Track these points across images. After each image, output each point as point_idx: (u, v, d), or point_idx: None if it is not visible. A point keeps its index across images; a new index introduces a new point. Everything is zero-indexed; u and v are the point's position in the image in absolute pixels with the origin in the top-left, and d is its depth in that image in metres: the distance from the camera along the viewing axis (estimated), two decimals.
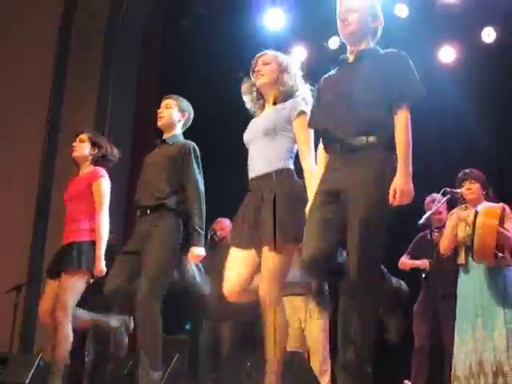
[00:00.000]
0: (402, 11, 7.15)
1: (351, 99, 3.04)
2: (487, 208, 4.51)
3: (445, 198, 4.75)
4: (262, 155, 3.40)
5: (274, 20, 7.64)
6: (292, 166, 3.42)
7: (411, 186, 2.90)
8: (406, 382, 4.98)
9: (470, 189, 4.73)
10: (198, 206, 3.92)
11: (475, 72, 7.16)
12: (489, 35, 7.20)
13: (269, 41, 7.16)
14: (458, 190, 4.73)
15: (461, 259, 4.64)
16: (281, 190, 3.27)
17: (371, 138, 2.97)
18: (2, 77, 7.61)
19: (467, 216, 4.58)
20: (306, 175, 3.34)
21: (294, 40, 7.81)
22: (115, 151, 4.73)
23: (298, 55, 7.75)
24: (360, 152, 2.97)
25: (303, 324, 5.22)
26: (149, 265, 3.77)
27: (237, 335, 5.29)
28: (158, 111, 4.20)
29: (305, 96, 3.50)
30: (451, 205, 4.87)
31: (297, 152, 3.45)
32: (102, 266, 4.29)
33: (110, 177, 4.58)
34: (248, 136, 3.55)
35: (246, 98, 3.66)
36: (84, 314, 4.49)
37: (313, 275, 2.97)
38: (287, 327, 3.35)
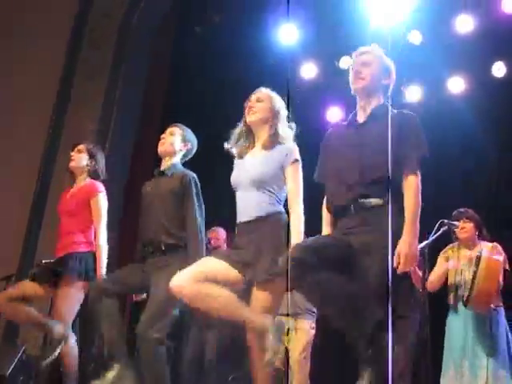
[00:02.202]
0: (415, 38, 7.16)
1: (363, 164, 3.08)
2: (490, 260, 4.52)
3: (441, 230, 4.74)
4: (252, 202, 3.38)
5: (287, 35, 7.65)
6: (282, 209, 3.41)
7: (416, 250, 2.95)
8: None
9: (464, 228, 4.79)
10: (196, 243, 3.85)
11: (483, 104, 7.16)
12: (499, 69, 7.21)
13: (281, 55, 7.19)
14: (456, 223, 4.74)
15: (450, 300, 4.70)
16: (273, 233, 3.28)
17: (384, 199, 3.02)
18: (12, 74, 7.60)
19: (463, 261, 4.62)
20: (293, 222, 3.31)
21: (305, 56, 7.81)
22: (104, 169, 4.69)
23: (308, 72, 7.79)
24: (372, 213, 3.02)
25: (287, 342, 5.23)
26: (157, 298, 3.70)
27: (223, 344, 5.28)
28: (161, 136, 4.16)
29: (294, 144, 3.49)
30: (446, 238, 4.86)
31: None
32: None
33: (112, 171, 4.55)
34: (236, 181, 3.51)
35: (234, 141, 3.60)
36: (30, 312, 4.32)
37: (298, 266, 2.93)
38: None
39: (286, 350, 5.15)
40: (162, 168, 4.14)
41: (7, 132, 7.35)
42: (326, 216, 3.36)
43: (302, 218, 3.32)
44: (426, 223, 3.91)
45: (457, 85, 7.44)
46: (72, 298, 4.26)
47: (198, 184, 4.02)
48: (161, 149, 4.13)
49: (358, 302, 2.92)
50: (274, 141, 3.45)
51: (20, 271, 6.75)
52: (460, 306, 4.61)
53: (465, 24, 7.04)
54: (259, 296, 3.25)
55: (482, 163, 7.00)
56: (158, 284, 3.70)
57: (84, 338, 5.66)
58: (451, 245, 4.91)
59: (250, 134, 3.57)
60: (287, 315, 5.19)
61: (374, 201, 3.02)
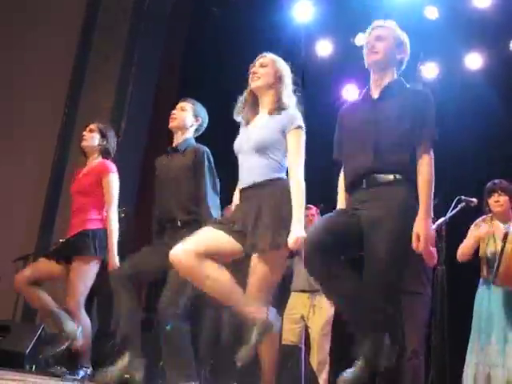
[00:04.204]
0: (432, 13, 7.08)
1: (378, 139, 3.07)
2: None
3: (459, 206, 4.69)
4: (254, 167, 3.35)
5: (302, 12, 7.60)
6: (284, 176, 3.37)
7: (432, 230, 2.97)
8: None
9: (498, 201, 4.65)
10: (207, 216, 3.83)
11: (501, 80, 7.08)
12: None
13: (296, 32, 7.14)
14: (473, 199, 4.68)
15: (483, 273, 4.61)
16: (274, 201, 3.25)
17: (397, 176, 3.03)
18: (26, 52, 7.62)
19: (496, 232, 4.54)
20: (293, 188, 3.28)
21: (320, 33, 7.76)
22: (115, 147, 4.74)
23: (323, 49, 7.74)
24: (385, 188, 3.02)
25: (306, 320, 5.26)
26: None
27: (238, 322, 5.31)
28: (172, 112, 4.15)
29: (298, 111, 3.46)
30: (465, 214, 4.81)
31: None
32: (116, 260, 4.27)
33: (126, 154, 4.58)
34: (240, 145, 3.48)
35: (240, 109, 3.57)
36: (46, 301, 4.37)
37: (310, 259, 2.95)
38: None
39: (306, 328, 5.22)
40: (175, 144, 4.14)
41: (22, 114, 7.39)
42: (340, 192, 3.36)
43: (303, 185, 3.28)
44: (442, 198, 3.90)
45: (474, 61, 7.35)
46: (85, 274, 4.32)
47: (211, 158, 4.01)
48: (172, 124, 4.12)
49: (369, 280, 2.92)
50: (277, 107, 3.41)
51: (37, 251, 6.81)
52: (491, 279, 4.52)
53: None
54: (257, 268, 3.22)
55: (500, 139, 6.92)
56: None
57: (102, 317, 5.74)
58: (484, 216, 4.79)
59: (254, 100, 3.53)
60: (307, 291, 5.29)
61: (386, 176, 3.03)
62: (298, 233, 3.14)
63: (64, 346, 4.20)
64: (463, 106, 6.62)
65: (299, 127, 3.35)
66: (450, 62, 7.37)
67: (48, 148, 7.43)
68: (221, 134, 4.05)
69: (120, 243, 4.38)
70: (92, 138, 4.64)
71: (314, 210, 5.54)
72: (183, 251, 3.14)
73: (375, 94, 3.22)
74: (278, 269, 3.27)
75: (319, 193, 3.50)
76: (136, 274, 3.84)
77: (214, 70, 7.73)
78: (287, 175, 3.34)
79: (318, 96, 3.54)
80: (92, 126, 4.69)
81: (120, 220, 4.51)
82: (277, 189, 3.30)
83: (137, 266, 3.87)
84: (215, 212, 3.89)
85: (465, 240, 4.82)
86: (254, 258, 3.23)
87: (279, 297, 5.73)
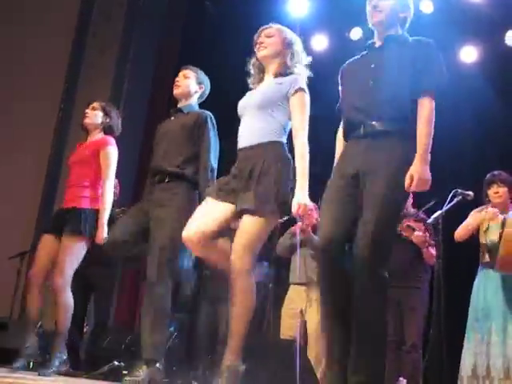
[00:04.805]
0: (427, 7, 7.08)
1: (377, 84, 3.04)
2: None
3: (455, 200, 4.70)
4: (255, 127, 3.35)
5: (297, 6, 7.60)
6: (285, 141, 3.37)
7: (429, 173, 2.90)
8: (400, 379, 4.98)
9: (497, 192, 4.66)
10: (205, 178, 3.87)
11: (496, 73, 7.08)
12: None
13: (291, 27, 7.11)
14: (470, 192, 4.69)
15: (485, 258, 4.59)
16: (271, 162, 3.24)
17: (396, 125, 2.98)
18: (22, 49, 7.60)
19: (496, 217, 4.52)
20: (297, 151, 3.29)
21: (315, 28, 7.76)
22: (120, 125, 4.73)
23: (318, 44, 7.73)
24: (383, 138, 2.97)
25: (304, 314, 5.27)
26: (163, 233, 3.75)
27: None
28: (176, 80, 4.18)
29: (304, 74, 3.46)
30: (461, 207, 4.81)
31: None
32: (104, 234, 4.27)
33: (123, 146, 4.57)
34: (243, 106, 3.49)
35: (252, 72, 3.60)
36: (70, 313, 4.34)
37: (326, 259, 2.95)
38: (254, 296, 3.29)
39: (304, 322, 5.23)
40: (179, 106, 4.18)
41: (18, 111, 7.37)
42: (338, 141, 3.32)
43: (307, 148, 3.27)
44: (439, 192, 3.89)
45: (469, 54, 7.36)
46: (74, 252, 4.28)
47: (214, 122, 4.04)
48: (176, 91, 4.16)
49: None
50: (282, 72, 3.44)
51: (33, 248, 6.80)
52: (490, 265, 4.51)
53: None
54: (242, 228, 3.21)
55: (495, 132, 6.93)
56: (160, 228, 3.77)
57: (99, 313, 5.74)
58: (483, 207, 4.78)
59: (261, 69, 3.56)
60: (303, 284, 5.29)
61: (384, 124, 2.98)
62: (300, 199, 3.16)
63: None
64: (458, 99, 6.62)
65: (301, 89, 3.35)
66: (446, 55, 7.33)
67: (44, 144, 7.42)
68: (217, 128, 4.06)
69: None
70: (95, 116, 4.62)
71: (311, 205, 5.54)
72: (195, 233, 3.21)
73: (378, 44, 3.21)
74: (265, 230, 3.25)
75: (316, 187, 3.48)
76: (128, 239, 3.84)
77: (210, 65, 7.67)
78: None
79: (313, 90, 3.51)
80: (95, 104, 4.67)
81: (118, 219, 4.48)
82: (274, 150, 3.29)
83: (129, 234, 3.86)
84: (213, 170, 3.91)
85: (465, 221, 4.78)
86: (243, 217, 3.23)
87: (276, 290, 5.78)
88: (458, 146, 6.96)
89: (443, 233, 4.65)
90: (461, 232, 4.70)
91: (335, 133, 3.39)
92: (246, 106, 3.46)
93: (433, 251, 5.00)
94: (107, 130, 4.63)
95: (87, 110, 4.65)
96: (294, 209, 3.16)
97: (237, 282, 3.21)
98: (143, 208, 3.96)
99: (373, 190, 2.89)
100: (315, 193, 3.64)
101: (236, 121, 3.54)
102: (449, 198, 4.69)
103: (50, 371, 4.08)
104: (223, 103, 3.74)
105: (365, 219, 2.87)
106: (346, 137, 3.20)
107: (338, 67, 3.38)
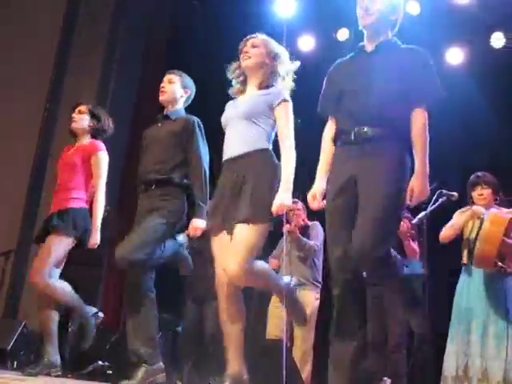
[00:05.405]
0: (413, 8, 7.11)
1: (369, 90, 3.02)
2: (495, 214, 4.43)
3: (440, 200, 4.72)
4: (241, 136, 3.38)
5: (284, 7, 7.59)
6: (270, 147, 3.41)
7: (428, 186, 2.95)
8: (384, 378, 4.99)
9: (482, 194, 4.66)
10: (200, 180, 3.91)
11: (481, 76, 7.13)
12: (498, 40, 7.16)
13: (278, 27, 7.12)
14: (454, 193, 4.71)
15: (464, 259, 4.61)
16: (262, 170, 3.29)
17: (387, 131, 2.97)
18: (7, 49, 7.55)
19: (480, 214, 4.54)
20: (284, 157, 3.34)
21: (302, 29, 7.76)
22: (111, 124, 4.69)
23: (305, 44, 7.74)
24: (375, 143, 2.97)
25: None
26: (146, 238, 3.74)
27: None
28: (161, 86, 4.18)
29: (288, 87, 3.51)
30: (446, 208, 4.84)
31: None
32: (97, 239, 4.29)
33: (108, 148, 4.56)
34: (227, 117, 3.51)
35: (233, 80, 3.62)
36: (67, 293, 4.29)
37: (347, 272, 2.97)
38: (243, 305, 3.36)
39: (290, 322, 5.24)
40: (166, 112, 4.19)
41: (2, 112, 7.32)
42: (324, 147, 3.30)
43: (293, 155, 3.34)
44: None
45: (455, 56, 7.40)
46: (55, 248, 4.21)
47: (202, 127, 4.06)
48: (162, 98, 4.17)
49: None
50: (266, 83, 3.47)
51: (19, 246, 6.78)
52: (471, 266, 4.53)
53: None
54: (237, 236, 3.23)
55: (480, 133, 6.97)
56: (152, 224, 3.78)
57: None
58: (467, 207, 4.80)
59: (244, 78, 3.58)
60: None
61: (375, 130, 2.98)
62: (282, 199, 3.19)
63: (43, 372, 4.13)
64: (444, 100, 6.65)
65: (285, 100, 3.40)
66: (432, 56, 7.39)
67: (29, 145, 7.38)
68: (204, 132, 4.07)
69: (102, 240, 4.35)
70: (82, 120, 4.58)
71: (299, 204, 5.56)
72: (236, 266, 3.18)
73: (369, 49, 3.20)
74: (259, 237, 3.26)
75: (302, 187, 3.50)
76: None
77: (196, 66, 7.70)
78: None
79: (299, 91, 3.52)
80: (81, 108, 4.63)
81: (102, 218, 4.47)
82: (262, 158, 3.34)
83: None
84: (206, 176, 3.94)
85: (449, 222, 4.79)
86: (237, 227, 3.24)
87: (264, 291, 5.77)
88: (443, 147, 6.98)
89: (428, 233, 4.67)
90: (446, 232, 4.71)
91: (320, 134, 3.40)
92: (231, 116, 3.48)
93: (415, 246, 5.02)
94: (95, 133, 4.60)
95: (74, 115, 4.61)
96: (274, 208, 3.19)
97: (230, 289, 3.27)
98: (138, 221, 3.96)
99: (369, 199, 2.90)
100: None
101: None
102: (433, 199, 4.71)
103: (37, 371, 4.03)
104: (210, 103, 3.75)
105: (362, 224, 2.88)
106: (335, 141, 3.20)
107: (325, 68, 3.38)
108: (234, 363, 3.27)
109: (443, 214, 4.86)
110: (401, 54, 3.12)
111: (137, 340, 3.70)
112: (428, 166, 2.96)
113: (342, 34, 7.46)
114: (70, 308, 4.32)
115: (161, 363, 3.74)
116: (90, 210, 4.39)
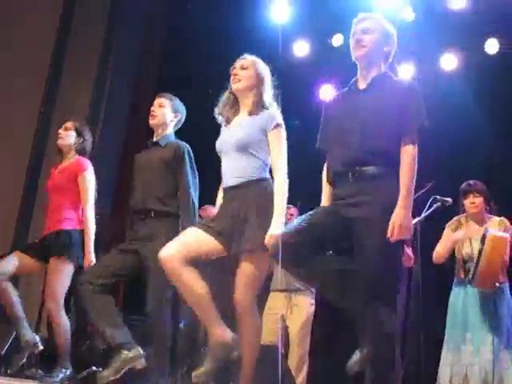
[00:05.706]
0: (408, 14, 7.12)
1: (364, 129, 3.04)
2: (495, 238, 4.43)
3: (434, 206, 4.73)
4: (237, 166, 3.39)
5: (279, 12, 7.60)
6: (268, 176, 3.42)
7: (410, 220, 2.94)
8: None
9: (474, 202, 4.69)
10: (187, 210, 3.91)
11: (476, 82, 7.14)
12: (492, 46, 7.18)
13: (272, 33, 7.13)
14: (448, 199, 4.73)
15: (460, 274, 4.65)
16: (263, 201, 3.30)
17: (384, 169, 2.99)
18: (1, 51, 7.53)
19: (475, 234, 4.57)
20: (276, 187, 3.34)
21: (297, 34, 7.76)
22: (90, 145, 4.75)
23: (300, 50, 7.75)
24: (372, 180, 2.98)
25: (286, 320, 5.28)
26: (157, 273, 3.63)
27: None
28: (151, 109, 4.18)
29: (278, 110, 3.51)
30: (440, 213, 4.85)
31: None
32: (92, 259, 4.32)
33: (103, 148, 4.59)
34: (221, 146, 3.52)
35: (221, 107, 3.61)
36: (67, 332, 4.39)
37: (290, 252, 2.96)
38: (261, 330, 3.42)
39: (285, 328, 5.24)
40: (156, 139, 4.18)
41: (0, 108, 7.30)
42: (324, 186, 3.34)
43: (286, 183, 3.34)
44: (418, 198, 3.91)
45: (449, 62, 7.41)
46: (63, 275, 4.31)
47: (192, 155, 4.06)
48: (152, 122, 4.17)
49: (353, 278, 2.92)
50: (258, 107, 3.46)
51: (13, 251, 6.73)
52: (467, 280, 4.56)
53: (457, 0, 7.01)
54: (245, 269, 3.27)
55: (474, 140, 6.98)
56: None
57: (79, 318, 5.70)
58: (458, 216, 4.82)
59: (235, 101, 3.57)
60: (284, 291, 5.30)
61: (372, 169, 2.99)
62: (273, 231, 3.19)
63: (26, 354, 4.19)
64: (438, 106, 6.68)
65: (279, 125, 3.40)
66: (426, 62, 7.42)
67: (24, 147, 7.36)
68: (200, 134, 4.07)
69: (95, 244, 4.37)
70: (68, 136, 4.64)
71: (292, 209, 5.56)
72: (168, 254, 3.20)
73: (362, 85, 3.19)
74: (264, 268, 3.34)
75: (296, 192, 3.52)
76: (106, 281, 3.85)
77: (192, 69, 7.71)
78: (271, 174, 3.39)
79: (295, 96, 3.54)
80: (68, 124, 4.69)
81: (96, 221, 4.49)
82: (262, 189, 3.35)
83: (105, 272, 3.88)
84: (194, 206, 3.94)
85: (440, 242, 4.85)
86: (242, 258, 3.27)
87: (259, 297, 5.77)
88: (437, 153, 7.01)
89: (421, 239, 4.68)
90: (438, 255, 4.77)
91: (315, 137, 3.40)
92: (225, 143, 3.48)
93: (409, 251, 5.04)
94: (81, 151, 4.66)
95: (60, 131, 4.68)
96: (266, 239, 3.19)
97: (243, 321, 3.31)
98: (129, 247, 3.96)
99: (368, 246, 2.92)
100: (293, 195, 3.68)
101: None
102: (428, 205, 4.73)
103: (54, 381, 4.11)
104: (204, 110, 3.76)
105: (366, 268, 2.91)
106: (332, 180, 3.21)
107: (319, 73, 3.40)
108: (212, 329, 3.25)
109: (437, 220, 4.88)
110: (393, 90, 3.12)
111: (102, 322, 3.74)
112: (412, 199, 2.97)
113: (337, 40, 7.45)
114: (59, 348, 4.34)
115: (138, 348, 3.73)
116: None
